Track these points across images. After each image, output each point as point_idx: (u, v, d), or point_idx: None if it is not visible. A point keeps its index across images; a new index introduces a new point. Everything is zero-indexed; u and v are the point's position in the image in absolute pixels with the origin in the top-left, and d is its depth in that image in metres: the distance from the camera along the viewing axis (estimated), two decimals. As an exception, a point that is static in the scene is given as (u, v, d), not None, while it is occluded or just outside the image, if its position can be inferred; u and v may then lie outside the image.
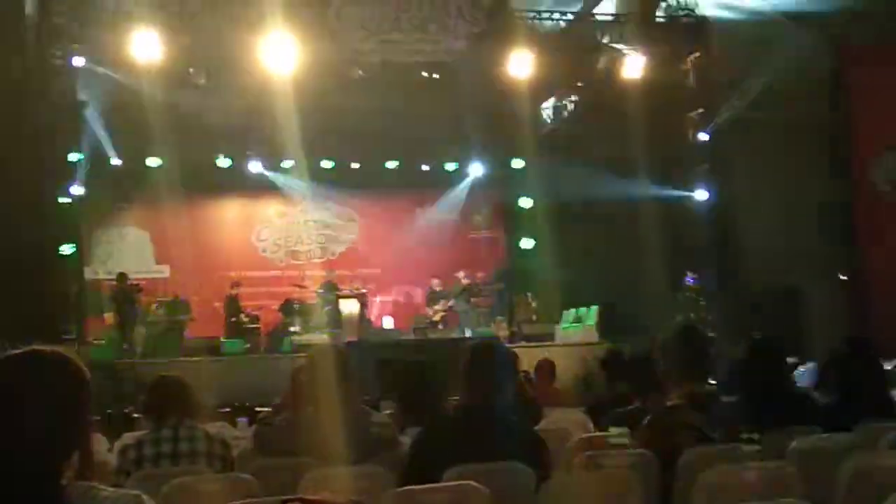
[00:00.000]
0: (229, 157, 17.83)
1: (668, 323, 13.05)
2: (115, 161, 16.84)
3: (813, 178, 14.76)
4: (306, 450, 4.12)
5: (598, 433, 5.03)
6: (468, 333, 16.14)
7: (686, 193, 15.35)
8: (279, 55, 12.89)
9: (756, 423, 4.14)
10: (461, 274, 17.43)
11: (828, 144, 14.86)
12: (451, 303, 17.36)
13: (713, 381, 4.95)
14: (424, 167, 19.31)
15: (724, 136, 14.70)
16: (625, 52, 14.47)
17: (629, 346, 8.81)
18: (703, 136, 14.88)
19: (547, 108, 17.45)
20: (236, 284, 17.38)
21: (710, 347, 4.60)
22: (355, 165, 18.74)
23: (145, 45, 12.61)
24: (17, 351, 2.07)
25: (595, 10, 15.31)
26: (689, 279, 15.38)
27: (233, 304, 17.06)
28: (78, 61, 13.46)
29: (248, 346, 15.83)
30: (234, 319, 16.79)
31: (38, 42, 12.70)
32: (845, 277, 14.79)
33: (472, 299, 17.29)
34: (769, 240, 14.58)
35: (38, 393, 2.02)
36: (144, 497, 2.14)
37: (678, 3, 14.82)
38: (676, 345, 4.18)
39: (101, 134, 15.39)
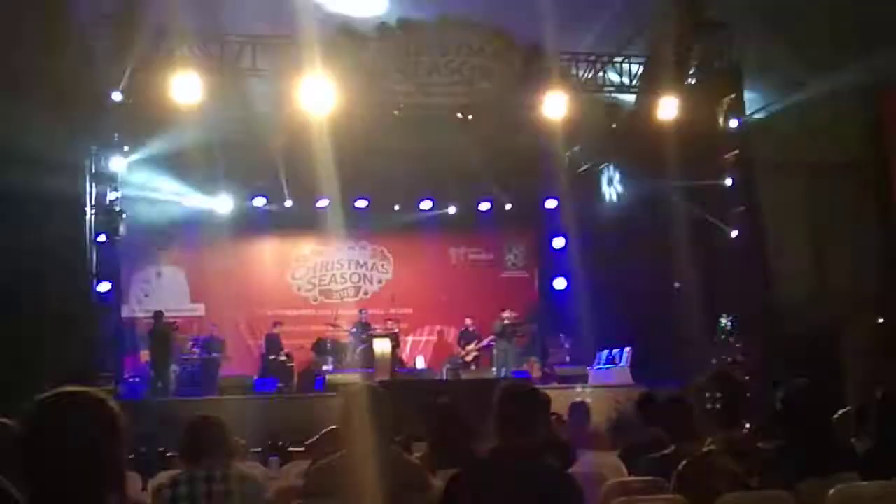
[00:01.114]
0: (265, 196, 18.02)
1: (703, 366, 12.94)
2: (153, 200, 17.06)
3: (849, 221, 14.64)
4: (340, 491, 4.13)
5: (632, 478, 4.99)
6: (503, 374, 16.11)
7: (721, 235, 15.26)
8: (316, 96, 13.06)
9: (794, 470, 4.09)
10: (505, 313, 17.41)
11: (865, 187, 14.74)
12: (490, 340, 17.36)
13: (749, 426, 4.89)
14: (458, 207, 19.38)
15: (760, 179, 14.62)
16: (658, 93, 14.50)
17: (664, 388, 8.75)
18: (738, 179, 14.79)
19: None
20: (278, 323, 17.54)
21: (746, 392, 4.56)
22: (389, 205, 18.86)
23: (186, 87, 12.83)
24: (49, 393, 2.09)
25: (630, 53, 15.36)
26: (725, 321, 15.23)
27: (273, 343, 17.18)
28: (120, 101, 13.68)
29: (281, 384, 15.88)
30: (273, 357, 16.90)
31: (82, 85, 12.94)
32: (882, 321, 14.59)
33: (512, 339, 17.26)
34: (805, 282, 14.44)
35: (70, 435, 2.04)
36: None
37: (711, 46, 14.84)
38: (711, 390, 4.14)
39: (140, 173, 15.63)
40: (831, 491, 3.99)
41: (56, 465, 2.00)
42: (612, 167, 17.73)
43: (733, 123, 14.71)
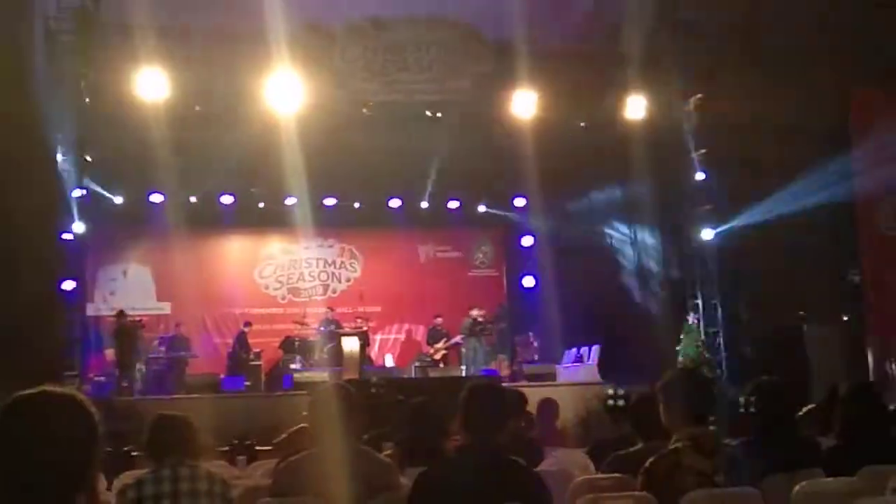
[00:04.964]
0: (232, 194, 17.90)
1: (671, 364, 13.03)
2: (118, 198, 16.94)
3: (816, 220, 14.80)
4: (308, 490, 4.11)
5: (599, 475, 5.00)
6: (471, 372, 16.12)
7: (688, 233, 15.39)
8: (284, 93, 13.01)
9: (760, 466, 4.12)
10: (474, 311, 17.40)
11: (831, 186, 14.89)
12: (459, 338, 17.34)
13: (715, 423, 4.92)
14: (427, 205, 19.35)
15: (728, 177, 14.76)
16: (628, 92, 14.57)
17: (632, 386, 8.79)
18: (704, 176, 14.94)
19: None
20: (248, 323, 17.47)
21: (713, 389, 4.59)
22: (358, 203, 18.80)
23: (151, 84, 12.71)
24: (27, 392, 2.06)
25: (599, 51, 15.43)
26: (692, 319, 15.36)
27: (241, 342, 17.10)
28: (83, 99, 13.53)
29: (249, 383, 15.78)
30: (240, 356, 16.82)
31: (44, 80, 12.79)
32: (847, 319, 14.77)
33: (480, 337, 17.26)
34: (772, 280, 14.58)
35: (47, 434, 2.01)
36: None
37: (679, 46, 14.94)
38: (679, 387, 4.16)
39: (105, 170, 15.48)
40: (796, 487, 4.03)
41: (27, 465, 1.98)
42: (580, 165, 17.77)
43: (701, 122, 14.84)
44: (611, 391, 6.42)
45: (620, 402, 6.16)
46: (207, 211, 17.83)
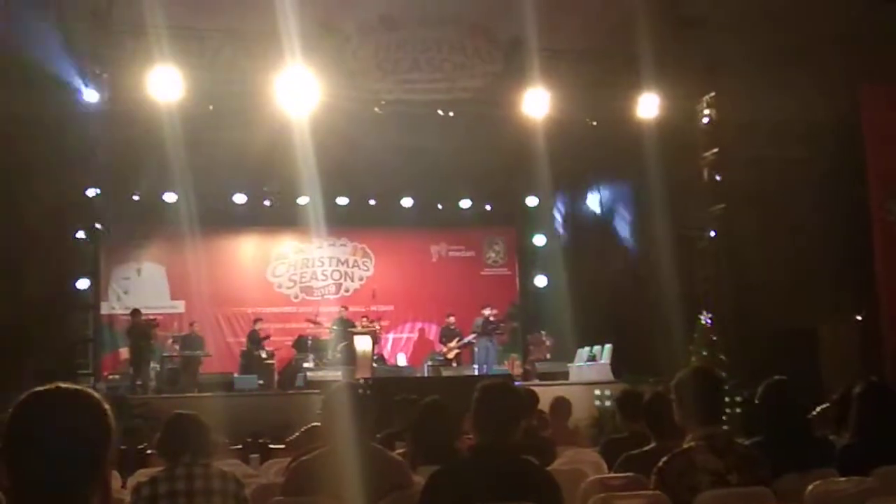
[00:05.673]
0: (245, 194, 17.97)
1: (683, 363, 13.00)
2: (133, 197, 17.01)
3: (828, 218, 14.73)
4: (321, 488, 4.12)
5: (611, 474, 5.00)
6: (483, 371, 16.12)
7: (700, 233, 15.33)
8: (297, 93, 13.02)
9: (773, 466, 4.11)
10: (486, 310, 17.38)
11: (843, 184, 14.83)
12: (472, 337, 17.33)
13: (727, 422, 4.91)
14: (439, 205, 19.41)
15: (739, 176, 14.69)
16: (640, 91, 14.53)
17: (645, 384, 8.78)
18: (717, 177, 14.88)
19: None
20: (258, 319, 17.52)
21: (725, 389, 4.57)
22: (371, 202, 18.86)
23: (165, 83, 12.75)
24: (40, 388, 2.08)
25: (611, 49, 15.39)
26: (704, 318, 15.31)
27: (254, 340, 17.16)
28: (97, 97, 13.58)
29: (262, 382, 15.83)
30: (253, 355, 16.87)
31: (59, 79, 12.85)
32: (860, 318, 14.69)
33: (493, 336, 17.25)
34: (784, 280, 14.52)
35: (60, 430, 2.03)
36: None
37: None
38: (691, 386, 4.15)
39: (119, 170, 15.51)
40: (810, 487, 4.02)
41: (40, 461, 1.99)
42: (592, 164, 17.76)
43: (713, 121, 14.78)
44: (597, 391, 6.42)
45: (608, 403, 6.17)
46: (221, 210, 17.91)
